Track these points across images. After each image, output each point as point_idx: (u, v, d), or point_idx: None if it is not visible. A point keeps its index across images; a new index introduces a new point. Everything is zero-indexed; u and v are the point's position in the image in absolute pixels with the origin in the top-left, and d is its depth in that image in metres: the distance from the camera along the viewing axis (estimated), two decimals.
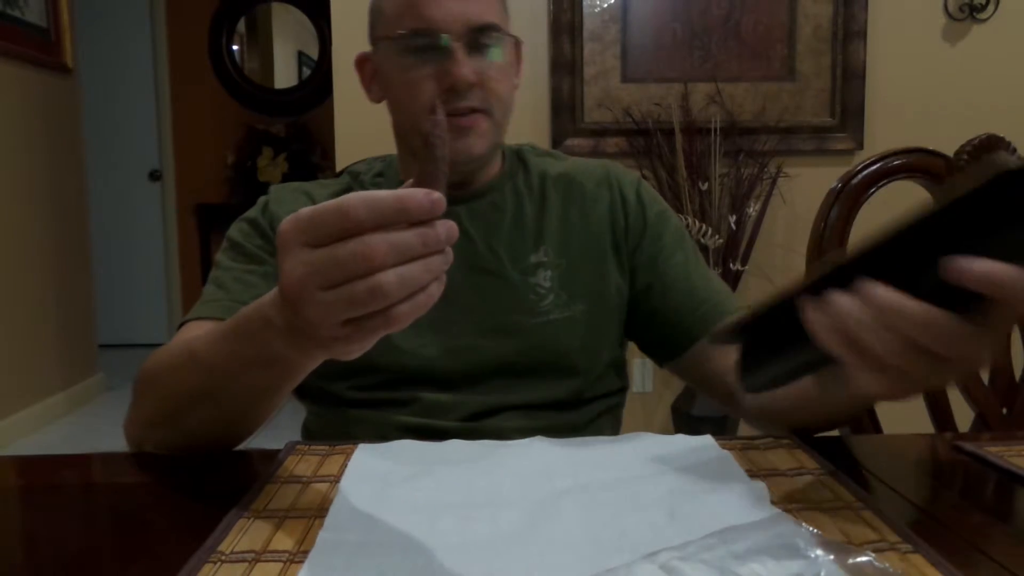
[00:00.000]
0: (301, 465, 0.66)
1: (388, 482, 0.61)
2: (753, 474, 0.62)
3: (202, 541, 0.51)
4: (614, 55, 2.54)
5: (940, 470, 0.70)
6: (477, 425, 0.86)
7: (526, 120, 2.53)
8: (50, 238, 3.48)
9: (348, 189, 0.96)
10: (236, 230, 0.93)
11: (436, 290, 0.48)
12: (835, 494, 0.59)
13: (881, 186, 1.04)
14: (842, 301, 0.48)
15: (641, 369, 2.66)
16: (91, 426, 3.48)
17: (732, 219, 2.40)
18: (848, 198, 1.03)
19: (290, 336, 0.53)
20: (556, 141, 2.56)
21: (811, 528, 0.48)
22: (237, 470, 0.68)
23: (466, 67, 0.83)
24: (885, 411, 1.03)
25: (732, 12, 2.55)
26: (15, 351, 3.22)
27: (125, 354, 4.61)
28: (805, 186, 2.55)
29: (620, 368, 0.98)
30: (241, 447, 0.73)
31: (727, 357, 0.86)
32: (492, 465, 0.64)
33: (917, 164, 1.04)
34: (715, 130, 2.45)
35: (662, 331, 0.93)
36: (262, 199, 0.95)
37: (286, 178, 4.54)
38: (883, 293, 0.46)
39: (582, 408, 0.91)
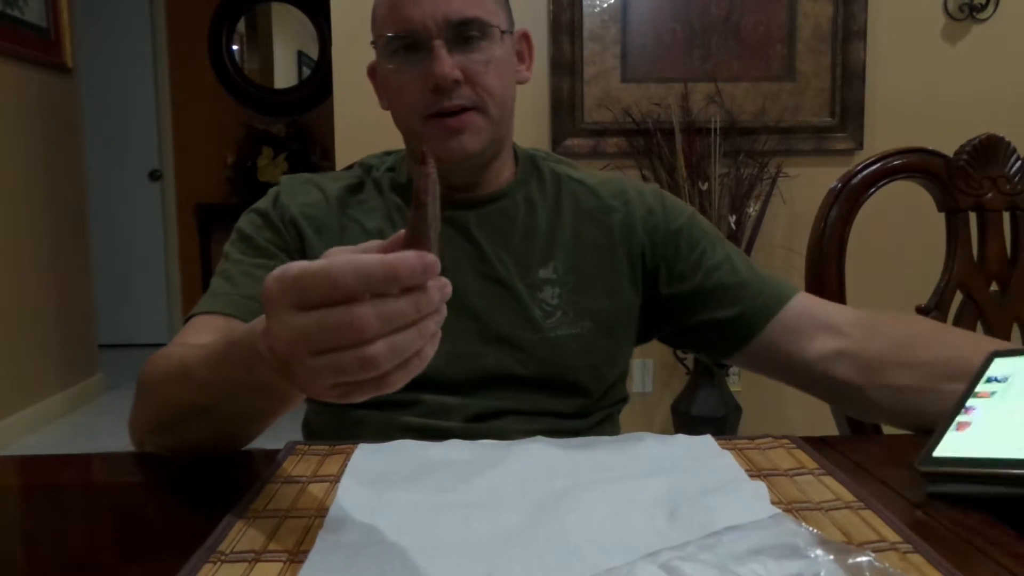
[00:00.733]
0: (301, 465, 0.66)
1: (388, 482, 0.61)
2: (753, 474, 0.62)
3: (202, 541, 0.51)
4: (614, 55, 2.54)
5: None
6: (480, 427, 0.85)
7: (526, 120, 2.53)
8: (50, 238, 3.48)
9: (360, 183, 0.94)
10: (246, 221, 0.91)
11: (430, 350, 0.47)
12: (835, 494, 0.59)
13: (881, 186, 1.04)
14: None
15: (641, 369, 2.66)
16: (91, 426, 3.48)
17: (732, 219, 2.40)
18: (848, 198, 1.03)
19: (282, 374, 0.51)
20: (556, 141, 2.56)
21: (811, 528, 0.48)
22: (237, 470, 0.68)
23: (447, 64, 0.82)
24: None
25: (732, 12, 2.55)
26: (15, 351, 3.22)
27: (125, 354, 4.61)
28: (805, 186, 2.55)
29: (623, 380, 0.97)
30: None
31: (799, 342, 0.86)
32: (492, 465, 0.64)
33: (917, 164, 1.04)
34: (715, 130, 2.45)
35: (722, 329, 0.90)
36: (273, 190, 0.94)
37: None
38: None
39: (584, 418, 0.91)
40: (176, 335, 0.81)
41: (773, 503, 0.56)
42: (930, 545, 0.50)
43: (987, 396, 0.63)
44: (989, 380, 0.64)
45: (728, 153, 2.47)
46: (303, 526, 0.54)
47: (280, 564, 0.49)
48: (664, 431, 0.72)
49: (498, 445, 0.69)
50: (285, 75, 4.97)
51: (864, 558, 0.44)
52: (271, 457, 0.68)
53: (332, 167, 3.32)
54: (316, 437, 0.92)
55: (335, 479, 0.62)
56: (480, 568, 0.47)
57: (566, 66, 2.54)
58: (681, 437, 0.71)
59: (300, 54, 4.97)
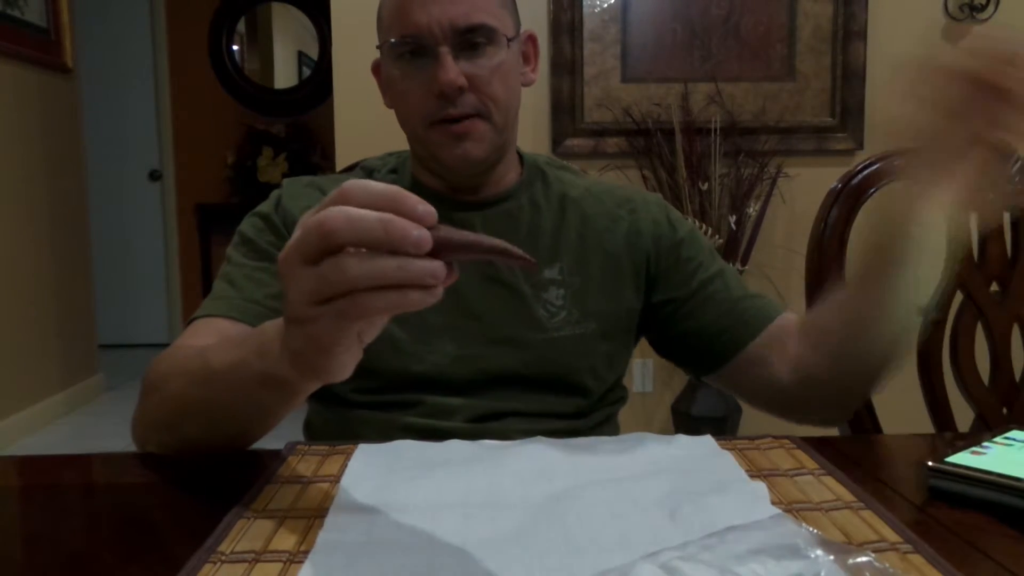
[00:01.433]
0: (301, 465, 0.66)
1: (388, 482, 0.61)
2: (753, 474, 0.62)
3: (202, 541, 0.51)
4: (614, 55, 2.54)
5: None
6: (481, 428, 0.85)
7: (526, 120, 2.54)
8: (50, 238, 3.48)
9: None
10: (249, 225, 0.92)
11: (417, 298, 0.47)
12: (835, 494, 0.59)
13: (881, 186, 1.04)
14: None
15: (641, 369, 2.66)
16: (91, 426, 3.48)
17: (732, 219, 2.41)
18: (848, 198, 1.03)
19: (284, 333, 0.53)
20: (556, 141, 2.56)
21: (811, 528, 0.48)
22: (237, 470, 0.68)
23: (452, 72, 0.81)
24: (885, 411, 1.04)
25: (732, 12, 2.55)
26: (15, 351, 3.22)
27: (125, 354, 4.62)
28: (805, 186, 2.55)
29: (621, 380, 0.98)
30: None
31: (774, 366, 0.88)
32: (492, 465, 0.64)
33: None
34: (715, 130, 2.45)
35: (705, 344, 0.91)
36: (275, 193, 0.94)
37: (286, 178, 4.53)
38: None
39: (584, 418, 0.91)
40: (178, 338, 0.81)
41: (773, 503, 0.56)
42: (930, 545, 0.50)
43: (1004, 444, 0.66)
44: (1007, 438, 0.67)
45: (728, 153, 2.47)
46: (303, 526, 0.54)
47: (280, 564, 0.49)
48: (664, 431, 0.72)
49: (498, 445, 0.69)
50: (285, 75, 4.96)
51: (864, 558, 0.44)
52: (271, 457, 0.68)
53: (332, 167, 3.32)
54: (317, 437, 0.92)
55: (335, 479, 0.62)
56: (480, 568, 0.47)
57: (566, 66, 2.54)
58: (681, 437, 0.71)
59: (300, 54, 4.97)
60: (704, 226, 2.31)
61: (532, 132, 2.55)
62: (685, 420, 2.44)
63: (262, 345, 0.58)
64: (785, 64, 2.57)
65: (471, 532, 0.52)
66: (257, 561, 0.49)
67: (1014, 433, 0.68)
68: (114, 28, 4.77)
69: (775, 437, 0.72)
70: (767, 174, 2.49)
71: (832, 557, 0.44)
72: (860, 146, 2.57)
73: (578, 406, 0.90)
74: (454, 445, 0.69)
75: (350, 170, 1.02)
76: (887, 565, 0.44)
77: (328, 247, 0.46)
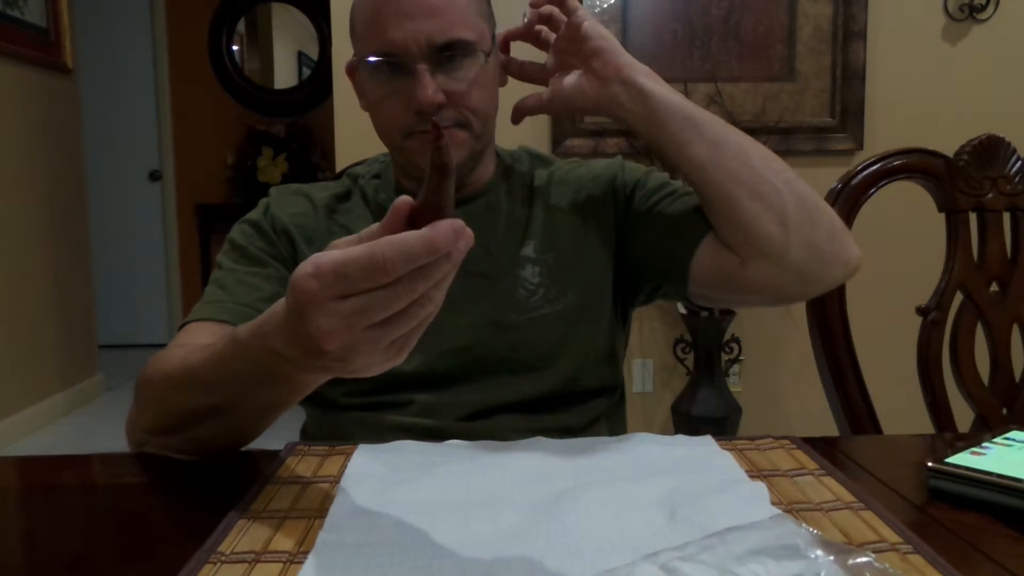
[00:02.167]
0: (301, 466, 0.66)
1: (388, 482, 0.61)
2: (753, 475, 0.62)
3: (202, 541, 0.51)
4: None
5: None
6: (472, 425, 0.86)
7: (526, 120, 2.53)
8: (50, 238, 3.48)
9: (348, 192, 0.97)
10: (238, 232, 0.93)
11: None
12: (835, 494, 0.59)
13: (881, 186, 1.04)
14: None
15: (641, 369, 2.66)
16: (91, 426, 3.48)
17: None
18: (848, 198, 1.03)
19: (300, 360, 0.53)
20: (556, 141, 2.56)
21: (811, 528, 0.48)
22: (237, 470, 0.68)
23: (431, 89, 0.81)
24: (885, 411, 1.04)
25: (732, 12, 2.55)
26: (15, 351, 3.22)
27: (125, 354, 4.62)
28: None
29: (612, 360, 0.97)
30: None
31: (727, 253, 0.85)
32: (492, 465, 0.64)
33: (917, 164, 1.04)
34: None
35: (667, 245, 0.90)
36: (263, 201, 0.96)
37: (286, 178, 4.54)
38: None
39: (577, 407, 0.91)
40: (171, 342, 0.81)
41: (773, 503, 0.56)
42: (930, 545, 0.50)
43: (1004, 444, 0.66)
44: (1007, 438, 0.67)
45: None
46: (303, 526, 0.54)
47: (280, 564, 0.49)
48: (664, 431, 0.72)
49: (498, 446, 0.69)
50: (285, 75, 4.96)
51: (864, 559, 0.44)
52: (271, 458, 0.68)
53: (332, 167, 3.32)
54: (315, 439, 0.92)
55: (335, 479, 0.62)
56: (480, 568, 0.47)
57: None
58: (681, 437, 0.71)
59: (300, 54, 4.97)
60: None
61: (532, 132, 2.55)
62: (685, 420, 2.44)
63: (257, 361, 0.58)
64: (785, 64, 2.57)
65: (471, 532, 0.52)
66: (257, 561, 0.49)
67: (1014, 433, 0.68)
68: (114, 28, 4.77)
69: (775, 437, 0.72)
70: None
71: (832, 557, 0.44)
72: (860, 146, 2.57)
73: (566, 385, 0.90)
74: (454, 445, 0.70)
75: (338, 178, 1.03)
76: (887, 565, 0.44)
77: (374, 283, 0.47)
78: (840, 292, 1.03)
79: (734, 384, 2.58)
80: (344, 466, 0.65)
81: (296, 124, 4.76)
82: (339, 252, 0.46)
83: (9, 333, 3.17)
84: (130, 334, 4.90)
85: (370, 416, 0.87)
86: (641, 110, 0.87)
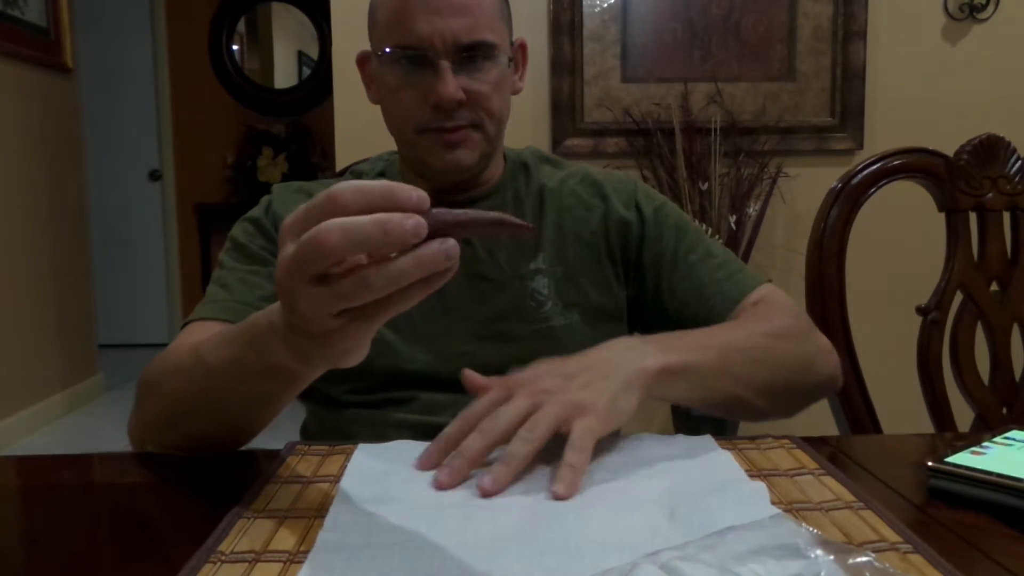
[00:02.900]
0: (301, 465, 0.66)
1: (388, 482, 0.61)
2: (753, 474, 0.62)
3: (202, 541, 0.51)
4: (614, 55, 2.54)
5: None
6: None
7: (526, 120, 2.53)
8: (50, 238, 3.48)
9: None
10: (239, 230, 0.93)
11: (439, 282, 0.48)
12: (835, 494, 0.59)
13: (881, 186, 1.04)
14: None
15: None
16: (91, 426, 3.48)
17: (732, 219, 2.40)
18: (848, 198, 1.03)
19: (291, 338, 0.52)
20: (556, 141, 2.56)
21: (811, 528, 0.48)
22: (237, 470, 0.68)
23: (452, 86, 0.82)
24: (885, 411, 1.04)
25: (732, 12, 2.55)
26: (15, 351, 3.22)
27: (125, 354, 4.62)
28: (805, 186, 2.54)
29: None
30: (242, 447, 0.73)
31: None
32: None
33: (917, 164, 1.04)
34: (715, 130, 2.45)
35: (676, 328, 0.91)
36: (265, 199, 0.95)
37: (286, 178, 4.54)
38: None
39: None
40: (172, 342, 0.81)
41: (773, 503, 0.56)
42: (930, 545, 0.50)
43: (1004, 444, 0.66)
44: (1007, 438, 0.67)
45: (728, 153, 2.47)
46: (303, 526, 0.54)
47: (280, 564, 0.49)
48: (664, 431, 0.72)
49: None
50: (285, 75, 4.97)
51: (864, 558, 0.44)
52: (271, 457, 0.68)
53: (332, 167, 3.32)
54: (314, 438, 0.92)
55: (335, 479, 0.62)
56: (480, 568, 0.47)
57: (566, 66, 2.53)
58: (681, 437, 0.71)
59: (300, 54, 4.97)
60: (704, 226, 2.31)
61: (532, 132, 2.55)
62: (685, 420, 2.44)
63: (255, 339, 0.58)
64: (785, 64, 2.57)
65: (471, 532, 0.52)
66: (257, 561, 0.49)
67: (1014, 433, 0.68)
68: (114, 28, 4.77)
69: (775, 437, 0.72)
70: (767, 174, 2.49)
71: (832, 557, 0.44)
72: (860, 146, 2.57)
73: None
74: None
75: (340, 175, 1.03)
76: (887, 565, 0.44)
77: (330, 262, 0.45)
78: (841, 291, 1.03)
79: None
80: (344, 466, 0.65)
81: (296, 124, 4.76)
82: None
83: (9, 333, 3.17)
84: (130, 334, 4.90)
85: (372, 413, 0.87)
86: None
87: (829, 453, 0.69)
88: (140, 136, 4.86)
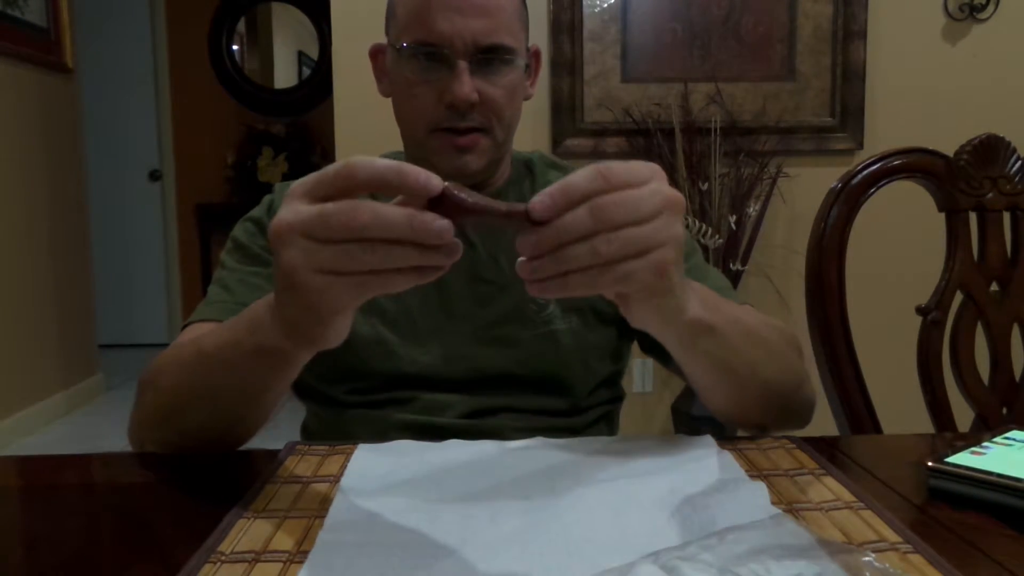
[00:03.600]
0: (301, 465, 0.66)
1: (388, 482, 0.61)
2: (753, 474, 0.62)
3: (202, 541, 0.51)
4: (614, 55, 2.54)
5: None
6: (476, 423, 0.86)
7: (526, 120, 2.52)
8: (50, 238, 3.48)
9: None
10: (241, 230, 0.92)
11: (433, 274, 0.49)
12: (835, 494, 0.59)
13: (881, 186, 1.04)
14: None
15: (641, 369, 2.66)
16: (91, 426, 3.48)
17: (732, 219, 2.41)
18: (848, 198, 1.03)
19: (278, 310, 0.54)
20: (556, 141, 2.56)
21: (811, 528, 0.48)
22: (237, 470, 0.68)
23: (468, 87, 0.81)
24: (885, 411, 1.04)
25: (732, 12, 2.55)
26: (15, 351, 3.22)
27: (125, 354, 4.62)
28: (805, 186, 2.55)
29: (616, 381, 0.97)
30: (241, 447, 0.73)
31: None
32: (492, 465, 0.64)
33: (917, 164, 1.04)
34: (715, 130, 2.45)
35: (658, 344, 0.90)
36: (267, 198, 0.95)
37: (286, 178, 4.54)
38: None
39: (578, 416, 0.91)
40: (174, 342, 0.81)
41: (773, 503, 0.56)
42: (930, 545, 0.50)
43: (1004, 444, 0.66)
44: (1007, 438, 0.67)
45: (728, 153, 2.47)
46: (303, 526, 0.54)
47: (280, 564, 0.49)
48: (664, 431, 0.72)
49: (498, 445, 0.69)
50: (285, 75, 4.97)
51: (864, 558, 0.44)
52: (271, 457, 0.68)
53: None
54: (315, 437, 0.92)
55: (335, 479, 0.62)
56: (480, 568, 0.47)
57: (566, 66, 2.53)
58: (681, 437, 0.71)
59: (300, 54, 4.97)
60: (704, 226, 2.31)
61: (532, 132, 2.55)
62: (685, 420, 2.44)
63: (252, 320, 0.59)
64: (785, 64, 2.57)
65: (471, 532, 0.52)
66: (257, 561, 0.49)
67: (1014, 433, 0.68)
68: (114, 28, 4.77)
69: (775, 437, 0.72)
70: (767, 174, 2.49)
71: (832, 557, 0.44)
72: (860, 146, 2.57)
73: (570, 403, 0.90)
74: (454, 445, 0.69)
75: None
76: (887, 565, 0.44)
77: (348, 237, 0.47)
78: (841, 291, 1.03)
79: None
80: (344, 466, 0.65)
81: (296, 124, 4.76)
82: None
83: (9, 333, 3.17)
84: (130, 334, 4.90)
85: (373, 413, 0.87)
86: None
87: (829, 453, 0.69)
88: (140, 136, 4.86)
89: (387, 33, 0.90)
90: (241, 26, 4.89)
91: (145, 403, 0.74)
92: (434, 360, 0.87)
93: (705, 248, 2.30)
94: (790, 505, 0.57)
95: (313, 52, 4.90)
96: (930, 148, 1.05)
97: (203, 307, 0.85)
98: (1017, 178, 1.05)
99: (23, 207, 3.29)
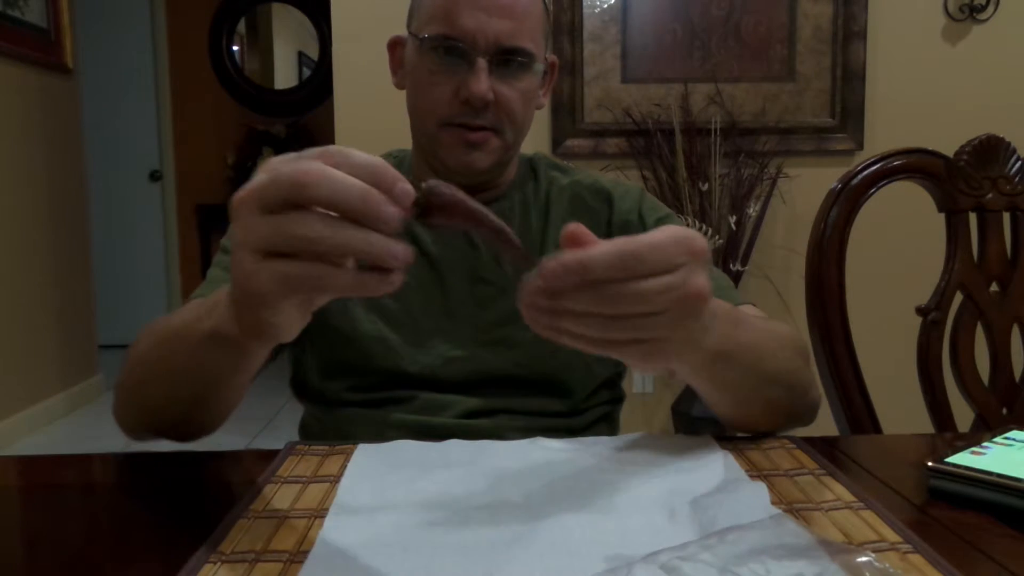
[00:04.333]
0: (301, 465, 0.66)
1: (388, 482, 0.61)
2: (753, 474, 0.62)
3: (202, 541, 0.51)
4: (614, 55, 2.54)
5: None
6: (475, 423, 0.86)
7: None
8: (50, 238, 3.48)
9: None
10: None
11: (374, 284, 0.45)
12: (835, 494, 0.59)
13: (881, 186, 1.04)
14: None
15: None
16: (91, 426, 3.48)
17: (732, 219, 2.40)
18: (848, 198, 1.03)
19: (231, 291, 0.52)
20: (556, 142, 2.56)
21: (811, 528, 0.48)
22: (237, 470, 0.68)
23: (485, 84, 0.82)
24: (885, 411, 1.04)
25: (732, 12, 2.55)
26: (15, 351, 3.22)
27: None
28: (805, 186, 2.55)
29: (616, 383, 0.97)
30: (241, 447, 0.73)
31: None
32: (492, 465, 0.64)
33: (917, 164, 1.04)
34: (715, 130, 2.45)
35: None
36: None
37: None
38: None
39: (578, 417, 0.91)
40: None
41: (773, 503, 0.56)
42: (930, 545, 0.50)
43: (1004, 444, 0.66)
44: (1007, 438, 0.67)
45: (728, 154, 2.47)
46: (303, 526, 0.54)
47: (280, 564, 0.49)
48: (664, 431, 0.72)
49: (498, 445, 0.69)
50: (285, 75, 4.97)
51: (864, 558, 0.44)
52: (271, 457, 0.68)
53: None
54: (313, 438, 0.92)
55: (335, 479, 0.62)
56: (480, 568, 0.47)
57: (566, 66, 2.53)
58: (681, 437, 0.71)
59: (300, 54, 4.97)
60: (704, 226, 2.31)
61: (532, 132, 2.53)
62: (685, 420, 2.44)
63: (214, 304, 0.58)
64: (785, 64, 2.57)
65: (471, 532, 0.52)
66: (257, 561, 0.49)
67: (1014, 433, 0.68)
68: (114, 28, 4.77)
69: (776, 437, 0.72)
70: (767, 174, 2.49)
71: (832, 557, 0.44)
72: (860, 146, 2.57)
73: (570, 405, 0.90)
74: (454, 445, 0.69)
75: None
76: (887, 565, 0.44)
77: (296, 199, 0.43)
78: (841, 291, 1.03)
79: None
80: (344, 466, 0.65)
81: (296, 124, 4.76)
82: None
83: (9, 333, 3.17)
84: (130, 334, 4.81)
85: (372, 413, 0.87)
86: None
87: (829, 453, 0.69)
88: (140, 136, 4.86)
89: (409, 25, 0.90)
90: (241, 26, 4.90)
91: (121, 374, 0.75)
92: (435, 360, 0.87)
93: None
94: (790, 505, 0.57)
95: (313, 52, 4.90)
96: (930, 148, 1.05)
97: (204, 286, 0.86)
98: (1017, 178, 1.05)
99: (23, 207, 3.29)
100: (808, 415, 0.79)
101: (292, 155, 0.46)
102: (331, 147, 0.46)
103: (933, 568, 0.47)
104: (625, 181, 1.01)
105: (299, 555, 0.50)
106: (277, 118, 4.80)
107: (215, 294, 0.60)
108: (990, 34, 2.57)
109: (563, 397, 0.90)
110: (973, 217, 1.05)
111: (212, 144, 4.85)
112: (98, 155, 4.59)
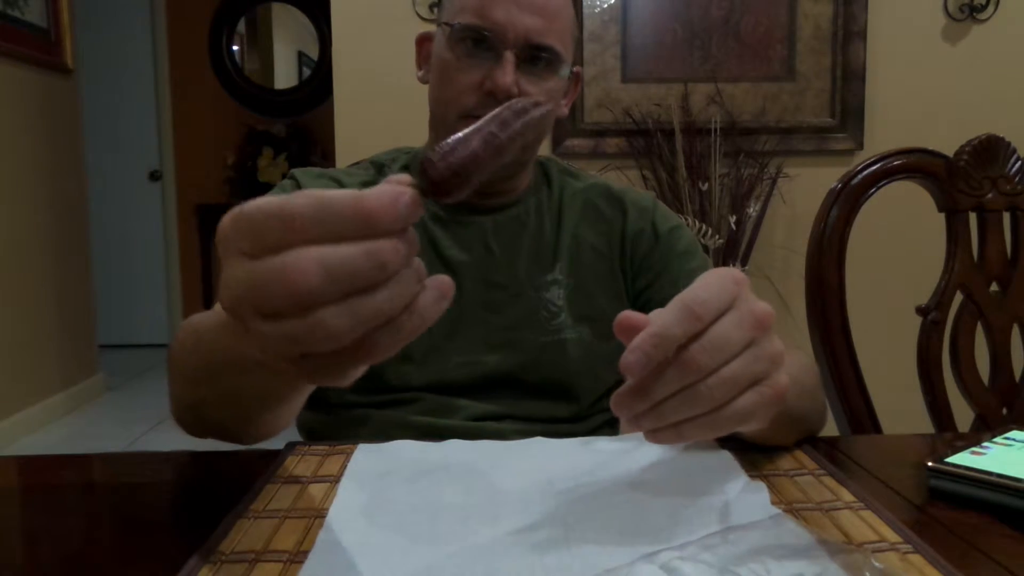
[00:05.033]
0: (301, 465, 0.66)
1: (388, 482, 0.61)
2: (753, 474, 0.62)
3: (202, 541, 0.51)
4: (614, 55, 2.54)
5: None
6: (480, 426, 0.86)
7: None
8: (50, 238, 3.48)
9: (373, 182, 0.93)
10: None
11: (414, 324, 0.37)
12: (835, 494, 0.59)
13: (881, 186, 1.04)
14: None
15: None
16: (91, 426, 3.48)
17: (732, 219, 2.40)
18: (848, 198, 1.03)
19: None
20: (556, 141, 2.56)
21: (811, 528, 0.48)
22: (237, 470, 0.68)
23: (510, 77, 0.82)
24: (885, 411, 1.04)
25: (732, 12, 2.55)
26: (15, 351, 3.22)
27: (125, 354, 4.62)
28: (805, 186, 2.55)
29: (622, 382, 0.97)
30: (241, 447, 0.73)
31: None
32: (492, 465, 0.64)
33: (917, 164, 1.04)
34: (715, 130, 2.45)
35: None
36: (288, 182, 0.92)
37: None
38: None
39: (582, 423, 0.91)
40: (172, 338, 0.80)
41: (773, 503, 0.56)
42: (930, 545, 0.50)
43: (1004, 444, 0.66)
44: (1007, 438, 0.67)
45: (728, 153, 2.47)
46: (303, 526, 0.54)
47: (280, 564, 0.49)
48: None
49: (498, 445, 0.69)
50: (285, 75, 4.96)
51: (864, 558, 0.44)
52: (271, 457, 0.68)
53: (332, 167, 3.31)
54: (315, 437, 0.92)
55: (335, 479, 0.62)
56: (480, 568, 0.47)
57: None
58: None
59: (300, 54, 4.97)
60: (704, 226, 2.31)
61: None
62: None
63: (232, 339, 0.48)
64: (785, 64, 2.57)
65: (471, 532, 0.52)
66: (257, 561, 0.49)
67: (1014, 433, 0.68)
68: (114, 28, 4.77)
69: None
70: (767, 174, 2.49)
71: (832, 557, 0.44)
72: (860, 146, 2.57)
73: (576, 411, 0.90)
74: (454, 445, 0.69)
75: (357, 164, 1.01)
76: (887, 565, 0.44)
77: (295, 306, 0.35)
78: (841, 292, 1.03)
79: None
80: (344, 466, 0.65)
81: (296, 124, 4.76)
82: (265, 199, 0.37)
83: (9, 333, 3.17)
84: (130, 334, 4.90)
85: (375, 413, 0.87)
86: None
87: (829, 453, 0.69)
88: (140, 136, 4.86)
89: (439, 16, 0.90)
90: (241, 26, 4.89)
91: (171, 386, 0.69)
92: (443, 364, 0.87)
93: (705, 248, 2.30)
94: (790, 505, 0.57)
95: (313, 52, 4.90)
96: (930, 148, 1.05)
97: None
98: (1017, 178, 1.05)
99: (23, 207, 3.29)
100: (821, 427, 0.79)
101: (254, 207, 0.37)
102: (296, 203, 0.35)
103: (933, 568, 0.47)
104: (638, 189, 1.02)
105: (299, 555, 0.50)
106: (277, 118, 4.80)
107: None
108: (990, 34, 2.57)
109: (570, 402, 0.90)
110: (973, 217, 1.05)
111: (212, 144, 4.84)
112: (98, 155, 4.59)
